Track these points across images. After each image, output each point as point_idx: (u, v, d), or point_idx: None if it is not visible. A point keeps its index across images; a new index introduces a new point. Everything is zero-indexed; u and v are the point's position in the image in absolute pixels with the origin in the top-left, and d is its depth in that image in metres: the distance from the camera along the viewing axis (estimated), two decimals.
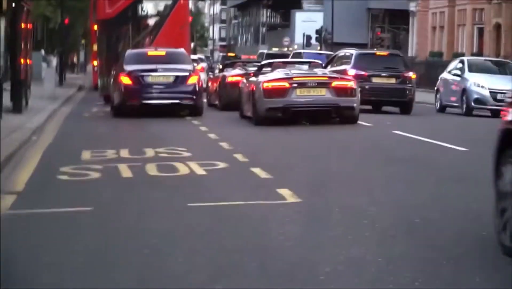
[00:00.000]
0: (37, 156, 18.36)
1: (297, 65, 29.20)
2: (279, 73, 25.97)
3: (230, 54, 69.87)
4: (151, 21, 36.47)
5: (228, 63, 38.44)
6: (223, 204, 12.19)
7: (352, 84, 24.87)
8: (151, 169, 15.84)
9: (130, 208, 11.93)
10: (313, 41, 76.51)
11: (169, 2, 36.33)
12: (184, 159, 17.30)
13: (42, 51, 58.06)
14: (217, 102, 33.37)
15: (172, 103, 28.34)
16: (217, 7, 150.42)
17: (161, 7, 36.61)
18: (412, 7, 69.07)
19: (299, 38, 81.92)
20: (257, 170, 15.41)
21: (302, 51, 53.87)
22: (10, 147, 18.60)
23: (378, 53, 33.05)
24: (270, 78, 25.28)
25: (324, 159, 17.82)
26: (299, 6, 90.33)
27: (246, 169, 15.75)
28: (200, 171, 15.58)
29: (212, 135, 22.36)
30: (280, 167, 16.11)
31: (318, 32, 73.82)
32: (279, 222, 10.78)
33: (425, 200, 12.41)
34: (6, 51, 29.41)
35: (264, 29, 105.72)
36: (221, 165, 16.33)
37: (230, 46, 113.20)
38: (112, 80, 30.95)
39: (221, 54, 76.83)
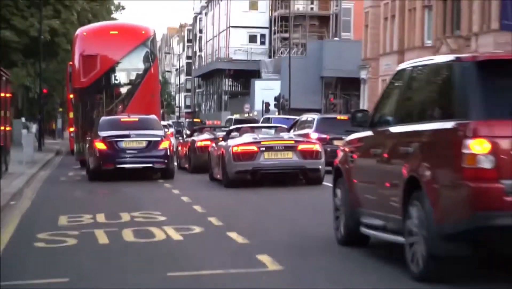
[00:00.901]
0: (14, 221, 16.90)
1: (264, 130, 28.04)
2: (248, 137, 24.81)
3: (195, 120, 69.05)
4: (124, 90, 35.31)
5: (197, 129, 37.35)
6: (203, 273, 10.77)
7: (317, 147, 23.69)
8: (128, 235, 14.37)
9: (108, 279, 10.44)
10: (271, 107, 75.69)
11: (140, 72, 35.46)
12: (159, 223, 15.84)
13: (23, 119, 57.53)
14: (186, 165, 32.09)
15: (145, 167, 27.19)
16: (183, 77, 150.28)
17: (133, 76, 35.51)
18: (363, 75, 68.34)
19: (258, 105, 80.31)
20: (233, 235, 14.01)
21: (271, 116, 53.25)
22: None
23: (338, 117, 32.10)
24: (239, 142, 24.19)
25: (297, 221, 16.35)
26: (258, 75, 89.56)
27: (222, 234, 14.31)
28: (176, 236, 14.13)
29: (185, 198, 20.94)
30: (256, 231, 14.65)
31: (276, 99, 72.86)
32: None
33: None
34: None
35: (226, 97, 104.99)
36: (197, 229, 14.88)
37: (195, 112, 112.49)
38: (87, 145, 29.76)
39: (187, 120, 75.66)
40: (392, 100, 12.13)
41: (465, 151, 9.12)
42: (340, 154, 13.72)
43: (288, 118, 44.06)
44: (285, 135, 25.81)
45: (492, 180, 9.08)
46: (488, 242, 9.59)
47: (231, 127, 29.27)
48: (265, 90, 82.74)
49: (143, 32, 36.38)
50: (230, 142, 24.42)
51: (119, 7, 77.32)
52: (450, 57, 10.91)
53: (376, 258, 11.90)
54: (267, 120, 46.69)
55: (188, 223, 15.68)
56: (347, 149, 13.36)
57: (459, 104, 9.75)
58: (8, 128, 30.21)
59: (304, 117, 33.56)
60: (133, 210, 18.00)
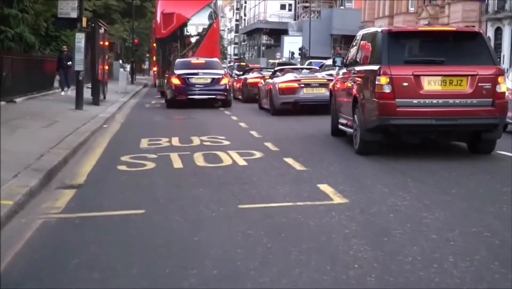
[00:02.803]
0: (104, 144, 13.70)
1: (301, 70, 24.48)
2: (289, 76, 21.62)
3: (242, 64, 65.79)
4: (193, 39, 33.16)
5: (248, 69, 34.09)
6: (273, 205, 7.53)
7: None
8: (199, 159, 11.18)
9: (182, 214, 7.26)
10: (296, 55, 73.10)
11: (206, 26, 33.04)
12: (225, 147, 12.65)
13: (120, 61, 55.66)
14: (240, 96, 28.93)
15: (209, 98, 24.20)
16: (232, 34, 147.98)
17: (199, 29, 33.29)
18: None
19: (286, 54, 78.45)
20: (290, 161, 10.82)
21: (312, 61, 49.35)
22: (84, 134, 14.15)
23: None
24: (283, 80, 20.99)
25: (340, 147, 13.11)
26: (286, 33, 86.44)
27: (280, 159, 11.05)
28: (241, 161, 10.91)
29: (242, 124, 17.68)
30: (308, 157, 11.33)
31: (299, 49, 70.83)
32: (339, 233, 6.26)
33: None
34: (87, 60, 25.24)
35: (263, 47, 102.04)
36: (257, 154, 11.65)
37: (241, 59, 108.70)
38: (166, 80, 27.07)
39: (236, 64, 72.84)
40: (353, 51, 13.42)
41: (376, 82, 10.79)
42: (332, 82, 15.58)
43: (320, 62, 40.36)
44: (319, 75, 22.47)
45: (390, 98, 10.71)
46: (390, 132, 11.20)
47: (276, 68, 25.91)
48: (291, 43, 79.98)
49: None
50: (276, 80, 21.28)
51: None
52: (377, 29, 12.57)
53: (343, 141, 13.76)
54: (310, 64, 42.66)
55: (249, 148, 12.41)
56: (336, 79, 14.84)
57: (377, 56, 11.29)
58: (106, 67, 27.22)
59: (328, 61, 30.02)
60: (202, 134, 14.85)
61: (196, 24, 32.69)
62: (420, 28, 13.48)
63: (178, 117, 20.69)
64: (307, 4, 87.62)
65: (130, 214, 7.27)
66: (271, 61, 74.30)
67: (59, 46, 32.83)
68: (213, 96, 24.07)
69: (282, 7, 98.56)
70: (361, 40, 12.94)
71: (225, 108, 23.69)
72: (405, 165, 10.41)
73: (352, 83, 12.37)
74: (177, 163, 10.84)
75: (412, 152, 11.80)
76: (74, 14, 20.26)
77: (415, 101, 10.65)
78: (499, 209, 7.33)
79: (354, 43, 13.69)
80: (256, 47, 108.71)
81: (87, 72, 24.00)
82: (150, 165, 10.66)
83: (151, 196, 8.24)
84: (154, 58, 37.03)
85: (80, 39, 20.39)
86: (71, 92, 25.59)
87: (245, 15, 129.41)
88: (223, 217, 7.10)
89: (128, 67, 56.70)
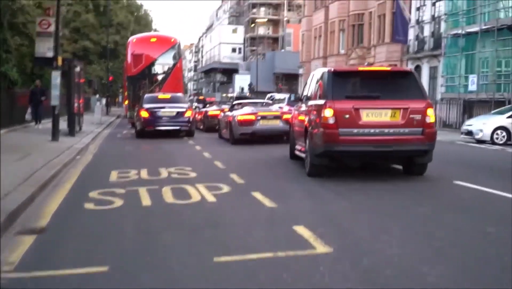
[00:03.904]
0: (74, 177, 11.40)
1: (256, 104, 22.48)
2: (247, 109, 19.54)
3: (200, 97, 63.72)
4: (159, 77, 30.83)
5: (208, 103, 32.36)
6: (252, 257, 5.48)
7: None
8: (167, 194, 9.08)
9: (152, 272, 5.19)
10: (245, 90, 71.54)
11: (170, 65, 30.60)
12: (192, 180, 10.56)
13: (97, 96, 52.93)
14: (201, 127, 26.74)
15: (175, 129, 22.00)
16: (191, 73, 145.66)
17: (165, 68, 30.70)
18: (300, 71, 63.41)
19: (237, 89, 76.59)
20: (258, 196, 8.78)
21: (272, 94, 47.33)
22: (56, 167, 11.92)
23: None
24: (242, 113, 19.01)
25: (300, 174, 11.14)
26: (237, 71, 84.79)
27: (248, 194, 8.99)
28: (209, 196, 8.83)
29: (206, 154, 15.53)
30: (275, 191, 9.32)
31: (249, 85, 69.51)
32: None
33: None
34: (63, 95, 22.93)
35: (217, 84, 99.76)
36: (225, 188, 9.60)
37: (199, 93, 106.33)
38: (135, 113, 24.64)
39: (195, 97, 70.84)
40: (307, 87, 12.73)
41: (322, 114, 10.32)
42: (291, 114, 14.79)
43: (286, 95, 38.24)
44: (273, 108, 20.50)
45: (333, 128, 10.21)
46: (334, 157, 10.64)
47: (234, 102, 23.91)
48: (241, 80, 78.54)
49: (172, 40, 31.63)
50: (235, 112, 19.24)
51: (155, 30, 71.74)
52: (324, 69, 11.80)
53: (298, 164, 12.75)
54: (271, 97, 40.62)
55: (215, 180, 10.35)
56: (294, 112, 14.06)
57: (324, 92, 10.68)
58: (81, 101, 24.74)
59: (278, 96, 28.22)
60: (169, 165, 12.72)
61: (162, 63, 30.48)
62: (360, 68, 12.65)
63: (147, 147, 18.48)
64: (254, 48, 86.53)
65: (92, 272, 5.18)
66: (229, 95, 73.00)
67: (43, 84, 30.42)
68: (178, 128, 21.90)
69: (233, 50, 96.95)
70: (312, 78, 12.46)
71: (189, 138, 21.52)
72: (361, 192, 8.55)
73: (305, 115, 11.86)
74: (146, 200, 8.74)
75: (358, 175, 10.94)
76: (50, 54, 18.07)
77: (355, 130, 10.21)
78: None
79: (308, 80, 13.10)
80: (211, 84, 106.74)
81: (64, 106, 21.71)
82: (118, 202, 8.55)
83: (117, 246, 6.13)
84: (126, 93, 34.66)
85: (56, 76, 18.15)
86: (42, 126, 23.16)
87: (202, 57, 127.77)
88: (198, 275, 5.06)
89: (103, 100, 54.07)
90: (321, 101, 10.60)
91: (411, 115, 10.28)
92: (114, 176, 11.42)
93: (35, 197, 8.95)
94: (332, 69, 11.15)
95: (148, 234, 6.65)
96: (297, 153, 12.95)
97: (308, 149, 11.08)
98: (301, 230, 6.53)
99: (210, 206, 8.16)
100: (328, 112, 10.24)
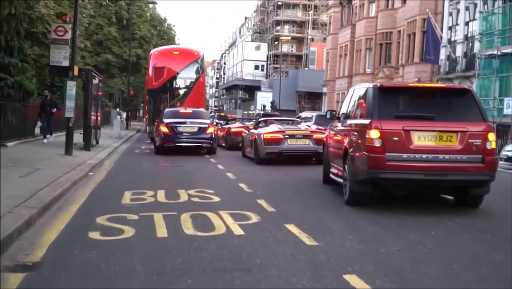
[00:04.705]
0: (83, 198, 10.14)
1: (283, 122, 21.11)
2: (274, 127, 18.14)
3: (221, 114, 62.47)
4: (181, 91, 29.48)
5: (230, 120, 30.92)
6: None
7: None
8: (186, 223, 7.75)
9: None
10: (267, 107, 70.25)
11: (193, 80, 29.30)
12: (215, 206, 9.22)
13: (117, 109, 51.96)
14: (223, 144, 25.20)
15: (196, 145, 20.62)
16: (213, 89, 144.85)
17: (188, 82, 29.38)
18: (324, 90, 62.05)
19: (259, 106, 75.22)
20: (293, 229, 7.44)
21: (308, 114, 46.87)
22: (63, 186, 10.67)
23: None
24: (269, 130, 17.62)
25: (337, 201, 9.76)
26: (259, 89, 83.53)
27: (281, 226, 7.64)
28: (236, 228, 7.49)
29: (230, 175, 14.13)
30: (312, 223, 7.95)
31: (271, 102, 68.22)
32: None
33: None
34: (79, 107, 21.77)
35: (239, 101, 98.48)
36: (253, 218, 8.25)
37: (220, 110, 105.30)
38: (155, 128, 23.38)
39: (216, 114, 69.64)
40: (345, 105, 11.51)
41: (367, 136, 8.95)
42: (325, 134, 13.28)
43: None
44: (302, 126, 18.98)
45: (380, 152, 8.84)
46: (379, 185, 9.16)
47: (260, 119, 22.53)
48: (263, 97, 77.20)
49: (195, 53, 30.39)
50: (261, 130, 17.86)
51: (178, 45, 71.11)
52: (368, 84, 10.21)
53: (333, 190, 11.56)
54: (299, 116, 39.40)
55: (242, 207, 9.03)
56: (328, 131, 12.85)
57: (368, 110, 9.34)
58: (99, 114, 23.48)
59: (304, 114, 26.63)
60: (189, 186, 11.44)
61: (184, 77, 29.23)
62: (410, 84, 11.01)
63: (165, 165, 17.17)
64: (277, 66, 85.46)
65: None
66: (251, 112, 71.94)
67: (63, 95, 29.35)
68: (199, 144, 20.54)
69: (256, 67, 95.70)
70: (353, 95, 11.06)
71: (210, 156, 20.18)
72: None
73: (344, 135, 10.55)
74: (161, 229, 7.42)
75: (403, 205, 9.46)
76: (66, 63, 16.89)
77: (405, 156, 8.80)
78: None
79: (345, 97, 11.87)
80: (233, 100, 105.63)
81: (78, 119, 20.57)
82: (129, 232, 7.25)
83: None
84: (146, 107, 33.57)
85: (71, 87, 16.99)
86: (53, 139, 21.75)
87: (224, 73, 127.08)
88: None
89: (124, 114, 53.15)
90: (366, 121, 9.21)
91: (469, 140, 8.88)
92: (127, 197, 10.14)
93: (33, 222, 7.69)
94: (379, 85, 9.73)
95: (161, 277, 5.34)
96: (332, 176, 11.56)
97: (348, 174, 9.73)
98: (354, 281, 5.17)
99: (237, 241, 6.81)
100: (373, 134, 8.87)
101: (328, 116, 12.49)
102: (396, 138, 8.78)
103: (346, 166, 9.95)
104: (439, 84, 12.80)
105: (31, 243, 6.62)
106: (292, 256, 6.12)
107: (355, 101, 10.62)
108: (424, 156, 8.78)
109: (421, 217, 8.66)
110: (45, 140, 21.55)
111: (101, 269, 5.60)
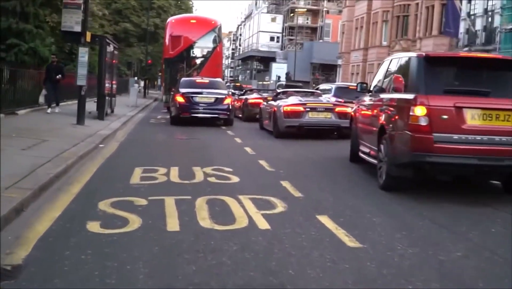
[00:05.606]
0: (87, 175, 8.69)
1: (304, 94, 19.52)
2: (294, 99, 16.57)
3: (236, 84, 60.75)
4: (198, 61, 28.12)
5: (247, 90, 29.52)
6: None
7: (349, 110, 15.11)
8: (202, 212, 6.36)
9: None
10: (282, 78, 68.50)
11: (210, 49, 27.92)
12: (234, 188, 7.80)
13: (135, 78, 50.51)
14: (240, 115, 23.56)
15: (212, 116, 19.10)
16: (229, 60, 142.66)
17: (204, 52, 28.00)
18: (339, 62, 60.13)
19: (273, 77, 73.36)
20: (328, 223, 6.04)
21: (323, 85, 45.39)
22: (67, 161, 9.30)
23: (350, 86, 22.79)
24: (289, 103, 16.05)
25: (373, 185, 8.35)
26: (274, 60, 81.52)
27: (312, 219, 6.22)
28: (260, 220, 6.06)
29: (248, 150, 12.62)
30: (349, 214, 6.51)
31: (286, 74, 66.49)
32: None
33: None
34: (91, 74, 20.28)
35: (254, 72, 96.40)
36: (279, 206, 6.81)
37: (235, 80, 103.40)
38: (171, 97, 21.97)
39: (231, 84, 67.97)
40: (379, 77, 9.90)
41: (411, 113, 7.43)
42: (354, 108, 11.58)
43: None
44: (323, 99, 17.29)
45: (426, 132, 7.33)
46: (422, 169, 7.62)
47: (279, 91, 20.92)
48: (278, 69, 74.75)
49: (212, 22, 28.82)
50: (281, 102, 16.28)
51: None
52: (411, 53, 8.76)
53: (362, 169, 9.99)
54: (317, 88, 37.63)
55: (265, 191, 7.61)
56: (356, 106, 11.25)
57: (412, 84, 7.85)
58: (114, 82, 21.99)
59: (323, 86, 24.96)
60: (205, 163, 10.02)
61: (202, 47, 27.77)
62: (461, 54, 9.51)
63: (181, 137, 15.70)
64: (292, 37, 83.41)
65: None
66: (265, 82, 70.19)
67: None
68: (216, 116, 19.06)
69: (271, 39, 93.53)
70: (390, 66, 9.47)
71: (227, 128, 18.68)
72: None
73: (379, 111, 8.94)
74: (173, 220, 6.03)
75: (445, 191, 7.67)
76: (78, 28, 15.43)
77: (455, 136, 7.30)
78: None
79: (380, 69, 10.21)
80: (248, 71, 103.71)
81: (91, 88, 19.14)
82: (134, 223, 5.87)
83: None
84: (162, 76, 32.18)
85: (83, 53, 15.54)
86: (59, 110, 19.12)
87: (240, 45, 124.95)
88: None
89: (141, 83, 51.80)
90: (409, 96, 7.68)
91: None
92: (137, 175, 8.76)
93: (25, 207, 6.35)
94: (424, 54, 8.12)
95: (173, 267, 3.95)
96: (362, 155, 10.11)
97: (385, 155, 8.26)
98: None
99: (263, 240, 5.39)
100: (419, 111, 7.36)
101: (358, 89, 10.81)
102: (445, 117, 7.29)
103: (382, 146, 8.50)
104: (495, 55, 10.95)
105: (16, 237, 5.27)
106: (333, 264, 4.71)
107: (392, 73, 9.02)
108: (478, 138, 7.30)
109: (471, 208, 7.21)
110: (49, 110, 18.69)
111: (93, 281, 4.23)
